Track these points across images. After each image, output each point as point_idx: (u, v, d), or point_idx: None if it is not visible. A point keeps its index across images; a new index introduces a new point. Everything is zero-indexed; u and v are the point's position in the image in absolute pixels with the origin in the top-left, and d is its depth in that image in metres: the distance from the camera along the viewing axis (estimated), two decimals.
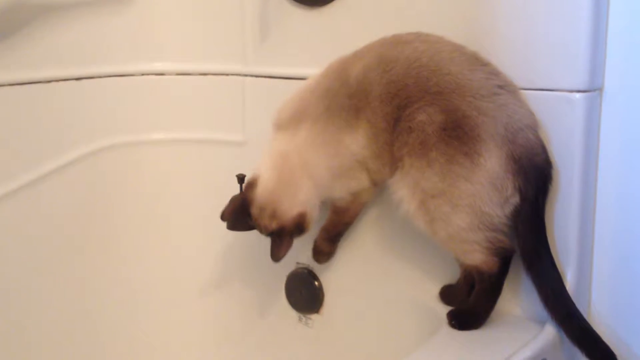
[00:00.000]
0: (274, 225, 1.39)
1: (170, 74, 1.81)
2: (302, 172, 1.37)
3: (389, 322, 1.58)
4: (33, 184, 1.67)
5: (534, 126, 1.28)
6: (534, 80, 1.32)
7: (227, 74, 1.78)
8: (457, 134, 1.24)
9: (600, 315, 1.36)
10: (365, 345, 1.63)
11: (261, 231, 1.42)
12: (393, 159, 1.32)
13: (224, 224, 1.50)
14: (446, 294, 1.45)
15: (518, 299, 1.36)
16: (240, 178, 1.57)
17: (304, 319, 1.74)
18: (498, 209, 1.25)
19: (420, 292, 1.50)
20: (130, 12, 1.76)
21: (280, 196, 1.39)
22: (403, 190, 1.30)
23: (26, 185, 1.65)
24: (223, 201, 1.51)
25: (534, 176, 1.26)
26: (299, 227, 1.39)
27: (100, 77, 1.75)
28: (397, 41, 1.36)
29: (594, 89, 1.29)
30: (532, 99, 1.31)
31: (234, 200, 1.46)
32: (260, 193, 1.40)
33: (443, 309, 1.38)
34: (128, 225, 1.82)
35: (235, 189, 1.56)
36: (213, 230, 1.57)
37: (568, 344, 1.32)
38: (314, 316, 1.72)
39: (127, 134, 1.80)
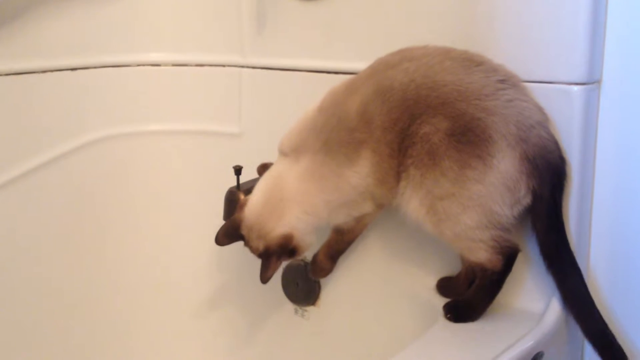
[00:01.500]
0: (261, 246, 1.38)
1: (166, 64, 1.80)
2: (295, 200, 1.36)
3: (385, 314, 1.58)
4: (27, 175, 1.66)
5: (544, 122, 1.27)
6: (532, 72, 1.31)
7: (224, 65, 1.77)
8: (467, 139, 1.23)
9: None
10: (361, 337, 1.62)
11: (253, 252, 1.41)
12: (399, 180, 1.31)
13: (220, 216, 1.50)
14: (443, 287, 1.44)
15: (515, 292, 1.36)
16: (237, 170, 1.56)
17: (300, 311, 1.73)
18: (507, 209, 1.25)
19: (417, 284, 1.49)
20: (126, 2, 1.75)
21: (266, 217, 1.37)
22: (414, 202, 1.29)
23: (20, 177, 1.65)
24: (219, 193, 1.50)
25: (549, 175, 1.25)
26: (284, 248, 1.37)
27: (95, 67, 1.74)
28: (385, 67, 1.33)
29: (592, 82, 1.29)
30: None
31: (225, 223, 1.45)
32: (248, 213, 1.39)
33: (439, 302, 1.38)
34: (123, 216, 1.81)
35: (231, 181, 1.56)
36: (209, 221, 1.56)
37: (565, 337, 1.32)
38: (310, 308, 1.72)
39: (122, 125, 1.79)
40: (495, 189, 1.23)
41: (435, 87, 1.26)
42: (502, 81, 1.27)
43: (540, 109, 1.28)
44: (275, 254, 1.38)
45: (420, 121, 1.26)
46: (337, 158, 1.33)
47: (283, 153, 1.41)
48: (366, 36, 1.55)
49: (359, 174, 1.33)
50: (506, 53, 1.33)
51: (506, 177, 1.23)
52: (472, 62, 1.29)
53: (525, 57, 1.32)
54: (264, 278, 1.39)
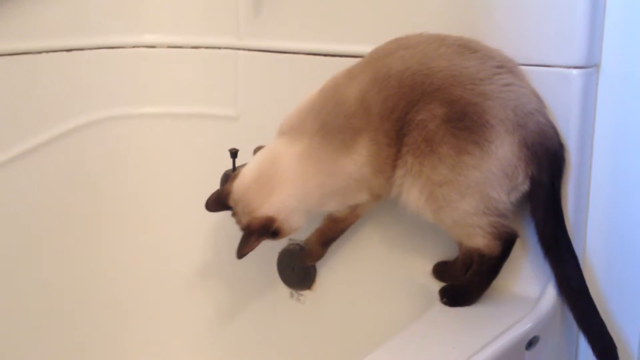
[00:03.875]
0: (244, 221, 1.38)
1: (161, 46, 1.79)
2: (287, 180, 1.35)
3: (380, 298, 1.58)
4: (21, 157, 1.65)
5: (542, 109, 1.26)
6: (530, 56, 1.31)
7: (220, 48, 1.76)
8: (464, 124, 1.22)
9: None
10: (356, 321, 1.63)
11: (238, 224, 1.40)
12: (395, 169, 1.30)
13: None
14: (439, 271, 1.44)
15: (511, 276, 1.36)
16: (233, 153, 1.56)
17: (295, 295, 1.73)
18: (505, 196, 1.25)
19: (413, 268, 1.49)
20: None
21: (254, 193, 1.37)
22: (414, 191, 1.29)
23: (14, 159, 1.64)
24: (215, 175, 1.50)
25: (548, 161, 1.24)
26: (265, 229, 1.36)
27: (90, 48, 1.72)
28: (382, 55, 1.33)
29: (591, 66, 1.28)
30: (528, 74, 1.30)
31: (217, 191, 1.45)
32: (237, 186, 1.39)
33: (436, 286, 1.38)
34: (118, 199, 1.81)
35: (227, 164, 1.55)
36: (204, 204, 1.56)
37: (560, 322, 1.33)
38: (306, 292, 1.72)
39: (117, 107, 1.78)
40: (493, 175, 1.23)
41: (430, 74, 1.26)
42: (498, 66, 1.26)
43: (537, 95, 1.27)
44: (256, 234, 1.36)
45: (417, 108, 1.26)
46: (333, 143, 1.33)
47: (281, 132, 1.40)
48: (364, 18, 1.54)
49: (355, 161, 1.32)
50: (504, 36, 1.32)
51: (504, 164, 1.23)
52: (468, 48, 1.28)
53: (524, 41, 1.31)
54: (240, 254, 1.38)
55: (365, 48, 1.41)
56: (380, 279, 1.58)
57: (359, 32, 1.54)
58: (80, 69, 1.72)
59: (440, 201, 1.26)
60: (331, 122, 1.33)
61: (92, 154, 1.77)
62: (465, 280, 1.35)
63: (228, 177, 1.55)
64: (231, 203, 1.40)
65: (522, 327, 1.24)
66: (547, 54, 1.29)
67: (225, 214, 1.45)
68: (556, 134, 1.27)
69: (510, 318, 1.26)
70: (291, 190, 1.35)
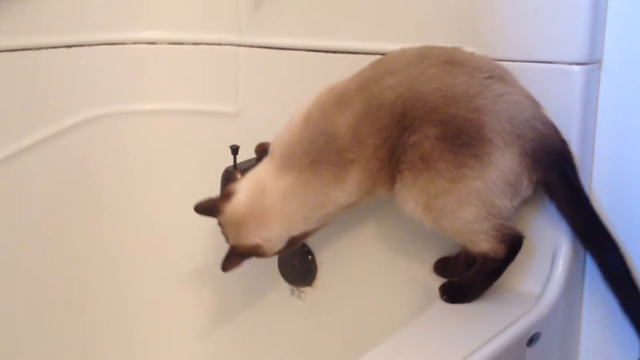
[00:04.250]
0: (231, 241, 1.41)
1: (162, 43, 1.79)
2: (277, 216, 1.37)
3: (381, 295, 1.58)
4: (21, 153, 1.65)
5: (537, 113, 1.25)
6: (532, 52, 1.30)
7: (221, 44, 1.76)
8: (462, 141, 1.22)
9: None
10: (357, 318, 1.63)
11: (223, 236, 1.43)
12: (394, 183, 1.31)
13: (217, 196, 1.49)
14: (441, 267, 1.44)
15: (513, 273, 1.35)
16: (234, 149, 1.55)
17: (296, 291, 1.73)
18: (508, 202, 1.24)
19: (413, 265, 1.49)
20: None
21: (242, 223, 1.39)
22: (409, 203, 1.29)
23: (14, 155, 1.64)
24: (216, 172, 1.50)
25: (552, 162, 1.24)
26: (252, 253, 1.41)
27: (90, 45, 1.72)
28: (371, 82, 1.31)
29: (593, 62, 1.28)
30: (530, 71, 1.30)
31: (209, 199, 1.46)
32: (230, 210, 1.40)
33: (437, 283, 1.38)
34: (118, 196, 1.81)
35: (228, 160, 1.55)
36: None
37: (562, 319, 1.32)
38: (306, 289, 1.72)
39: (118, 104, 1.78)
40: (495, 184, 1.23)
41: (422, 98, 1.25)
42: (488, 77, 1.25)
43: (531, 99, 1.27)
44: (241, 255, 1.41)
45: (409, 132, 1.26)
46: (324, 178, 1.33)
47: (272, 156, 1.40)
48: (365, 15, 1.53)
49: (346, 192, 1.33)
50: (506, 32, 1.32)
51: (507, 173, 1.22)
52: (454, 63, 1.27)
53: (525, 37, 1.31)
54: (224, 268, 1.43)
55: (367, 45, 1.41)
56: (381, 276, 1.58)
57: (360, 28, 1.54)
58: (80, 66, 1.71)
59: (437, 211, 1.26)
60: (322, 158, 1.32)
61: (93, 151, 1.77)
62: (467, 277, 1.34)
63: (229, 174, 1.56)
64: (220, 220, 1.42)
65: (524, 324, 1.24)
66: (548, 51, 1.28)
67: None
68: (556, 132, 1.26)
69: (511, 315, 1.26)
70: (279, 224, 1.37)
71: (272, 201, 1.37)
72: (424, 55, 1.30)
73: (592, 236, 1.27)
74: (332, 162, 1.31)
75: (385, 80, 1.29)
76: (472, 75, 1.25)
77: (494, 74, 1.27)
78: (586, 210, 1.27)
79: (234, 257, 1.42)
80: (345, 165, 1.31)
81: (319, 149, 1.32)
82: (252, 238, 1.38)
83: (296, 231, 1.40)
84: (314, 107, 1.36)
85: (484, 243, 1.27)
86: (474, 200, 1.24)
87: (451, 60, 1.28)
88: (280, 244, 1.41)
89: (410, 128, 1.26)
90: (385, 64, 1.33)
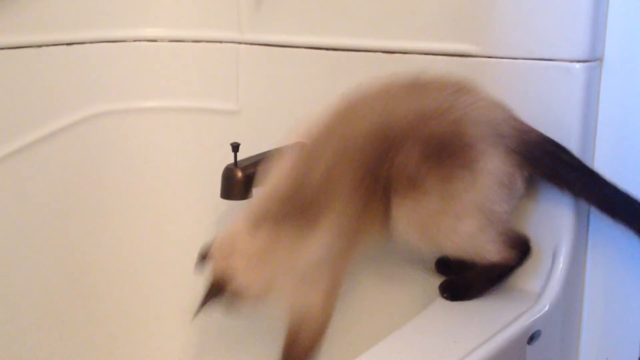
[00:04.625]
0: (212, 281, 1.37)
1: (163, 40, 1.78)
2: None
3: (381, 293, 1.57)
4: (22, 151, 1.65)
5: (509, 115, 1.25)
6: (533, 49, 1.30)
7: (222, 42, 1.75)
8: (447, 153, 1.22)
9: None
10: (358, 316, 1.62)
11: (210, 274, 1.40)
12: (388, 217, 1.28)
13: (217, 193, 1.49)
14: (442, 265, 1.44)
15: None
16: (235, 147, 1.55)
17: None
18: (506, 205, 1.24)
19: (414, 263, 1.49)
20: None
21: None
22: (403, 229, 1.27)
23: (14, 153, 1.63)
24: (216, 170, 1.49)
25: (540, 151, 1.23)
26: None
27: (91, 42, 1.72)
28: (341, 122, 1.30)
29: (594, 59, 1.28)
30: (531, 69, 1.30)
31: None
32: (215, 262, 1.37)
33: (437, 280, 1.38)
34: (119, 194, 1.80)
35: (229, 158, 1.55)
36: (206, 198, 1.55)
37: (562, 316, 1.32)
38: None
39: (118, 101, 1.77)
40: (490, 190, 1.22)
41: (396, 121, 1.25)
42: (455, 91, 1.26)
43: (499, 105, 1.27)
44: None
45: (390, 156, 1.24)
46: (291, 234, 1.28)
47: (250, 216, 1.34)
48: (366, 12, 1.53)
49: (317, 246, 1.29)
50: (507, 30, 1.32)
51: (499, 175, 1.22)
52: (419, 86, 1.29)
53: (527, 34, 1.31)
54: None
55: (367, 42, 1.40)
56: (381, 273, 1.58)
57: (360, 26, 1.54)
58: (81, 63, 1.71)
59: (432, 230, 1.25)
60: (292, 213, 1.28)
61: (93, 148, 1.76)
62: (469, 275, 1.34)
63: (230, 172, 1.55)
64: (209, 257, 1.39)
65: (524, 322, 1.24)
66: (550, 48, 1.29)
67: (227, 208, 1.45)
68: (531, 127, 1.25)
69: (511, 313, 1.26)
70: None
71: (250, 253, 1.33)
72: (388, 86, 1.30)
73: (614, 205, 1.24)
74: (298, 216, 1.27)
75: (355, 120, 1.28)
76: (439, 92, 1.26)
77: (459, 87, 1.27)
78: (596, 182, 1.24)
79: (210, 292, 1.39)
80: (313, 218, 1.27)
81: (290, 204, 1.28)
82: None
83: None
84: (288, 162, 1.32)
85: (492, 253, 1.26)
86: (472, 212, 1.23)
87: (414, 83, 1.29)
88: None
89: (392, 151, 1.24)
90: (355, 105, 1.31)
